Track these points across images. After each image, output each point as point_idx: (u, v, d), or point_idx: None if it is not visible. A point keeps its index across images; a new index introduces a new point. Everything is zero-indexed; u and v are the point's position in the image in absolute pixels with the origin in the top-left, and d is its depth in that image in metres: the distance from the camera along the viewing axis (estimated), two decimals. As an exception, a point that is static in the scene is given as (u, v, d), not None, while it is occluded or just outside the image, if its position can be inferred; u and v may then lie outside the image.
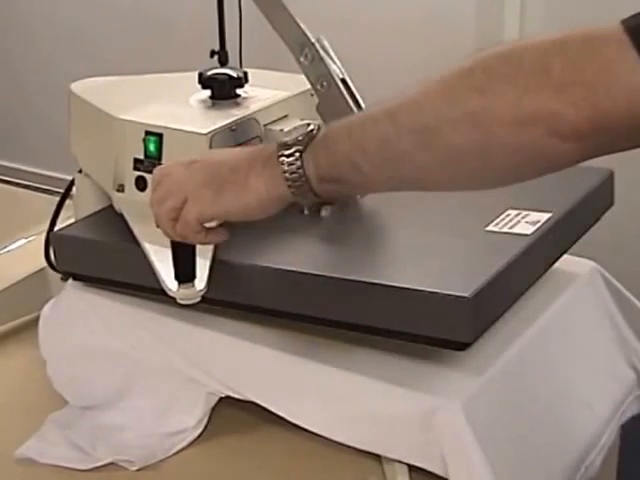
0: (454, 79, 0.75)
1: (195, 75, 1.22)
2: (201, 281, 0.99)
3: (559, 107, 0.69)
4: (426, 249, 1.03)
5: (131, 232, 1.10)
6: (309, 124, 0.84)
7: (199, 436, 1.11)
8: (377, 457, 1.04)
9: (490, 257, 0.98)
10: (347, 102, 1.06)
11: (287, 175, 0.83)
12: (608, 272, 1.23)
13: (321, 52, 1.07)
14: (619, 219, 2.45)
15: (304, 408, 1.04)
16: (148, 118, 1.14)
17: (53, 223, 1.29)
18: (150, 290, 1.08)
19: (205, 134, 1.10)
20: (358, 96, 1.09)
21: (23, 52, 3.54)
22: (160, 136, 1.11)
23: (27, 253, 1.33)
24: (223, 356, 1.08)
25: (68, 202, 1.39)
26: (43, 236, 1.33)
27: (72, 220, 1.33)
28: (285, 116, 1.19)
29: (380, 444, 1.01)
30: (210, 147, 1.10)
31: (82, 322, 1.16)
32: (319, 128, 0.84)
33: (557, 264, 1.12)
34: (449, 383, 0.99)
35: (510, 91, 0.71)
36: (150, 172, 1.09)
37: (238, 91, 1.21)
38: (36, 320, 1.20)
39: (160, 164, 1.11)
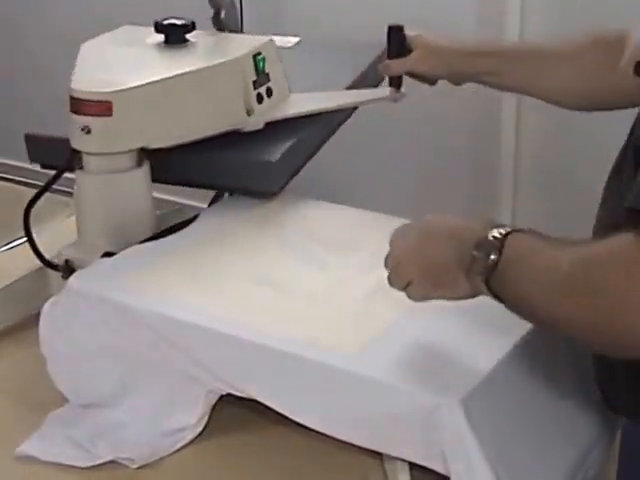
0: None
1: (102, 36, 1.45)
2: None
3: None
4: None
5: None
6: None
7: (200, 434, 1.11)
8: (378, 455, 1.04)
9: None
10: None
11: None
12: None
13: None
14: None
15: (305, 406, 1.04)
16: (245, 48, 1.39)
17: (27, 214, 1.31)
18: None
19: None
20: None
21: (24, 53, 3.55)
22: (260, 54, 1.40)
23: (28, 251, 1.32)
24: (224, 354, 1.08)
25: (68, 199, 1.40)
26: (45, 234, 1.33)
27: (73, 218, 1.33)
28: None
29: (381, 442, 1.01)
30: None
31: (82, 320, 1.16)
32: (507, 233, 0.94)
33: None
34: (449, 381, 0.99)
35: None
36: (263, 85, 1.40)
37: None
38: (36, 318, 1.20)
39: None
